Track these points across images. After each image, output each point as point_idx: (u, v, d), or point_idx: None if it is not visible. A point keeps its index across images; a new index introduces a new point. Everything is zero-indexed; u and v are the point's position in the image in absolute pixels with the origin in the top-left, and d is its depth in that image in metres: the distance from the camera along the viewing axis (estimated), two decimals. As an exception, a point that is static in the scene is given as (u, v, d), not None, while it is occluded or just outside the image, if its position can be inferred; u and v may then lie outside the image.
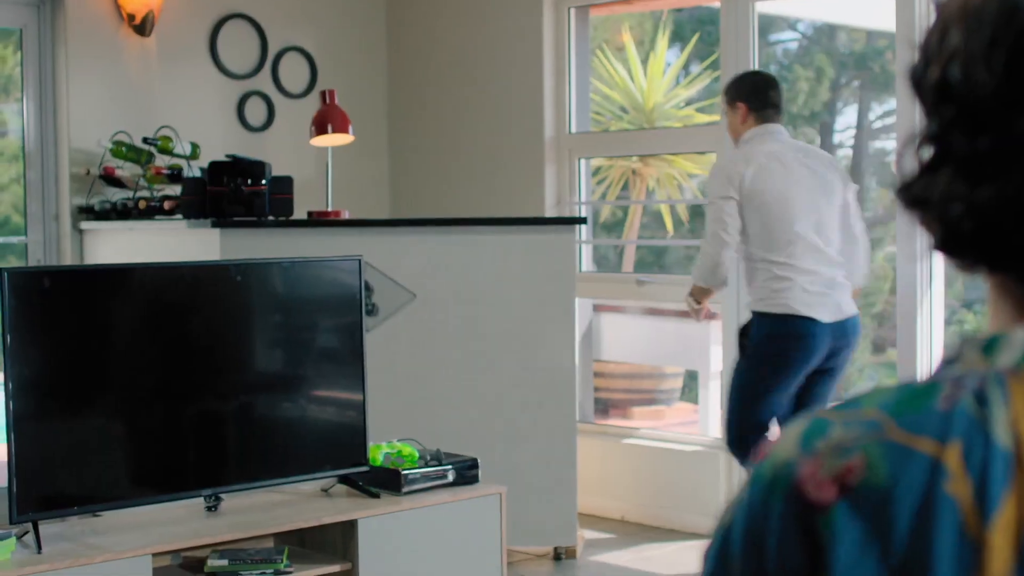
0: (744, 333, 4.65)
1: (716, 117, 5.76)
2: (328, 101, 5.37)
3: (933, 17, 0.84)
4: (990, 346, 0.80)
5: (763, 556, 0.78)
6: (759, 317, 4.56)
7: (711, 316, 5.10)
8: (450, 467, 4.07)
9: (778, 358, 4.52)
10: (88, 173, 5.58)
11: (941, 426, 0.76)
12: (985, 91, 0.78)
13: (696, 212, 9.14)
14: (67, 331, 3.54)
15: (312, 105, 5.95)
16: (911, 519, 0.75)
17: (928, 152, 0.82)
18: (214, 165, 4.78)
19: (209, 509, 3.79)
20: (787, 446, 0.80)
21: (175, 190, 5.38)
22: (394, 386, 4.79)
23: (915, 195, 0.82)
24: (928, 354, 4.90)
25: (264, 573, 3.67)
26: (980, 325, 9.12)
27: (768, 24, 9.72)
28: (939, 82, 0.80)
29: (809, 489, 0.77)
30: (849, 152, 10.48)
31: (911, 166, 0.83)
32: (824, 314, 4.49)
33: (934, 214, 0.81)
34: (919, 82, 0.83)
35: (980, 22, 0.79)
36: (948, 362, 0.82)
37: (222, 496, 3.82)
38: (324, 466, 3.99)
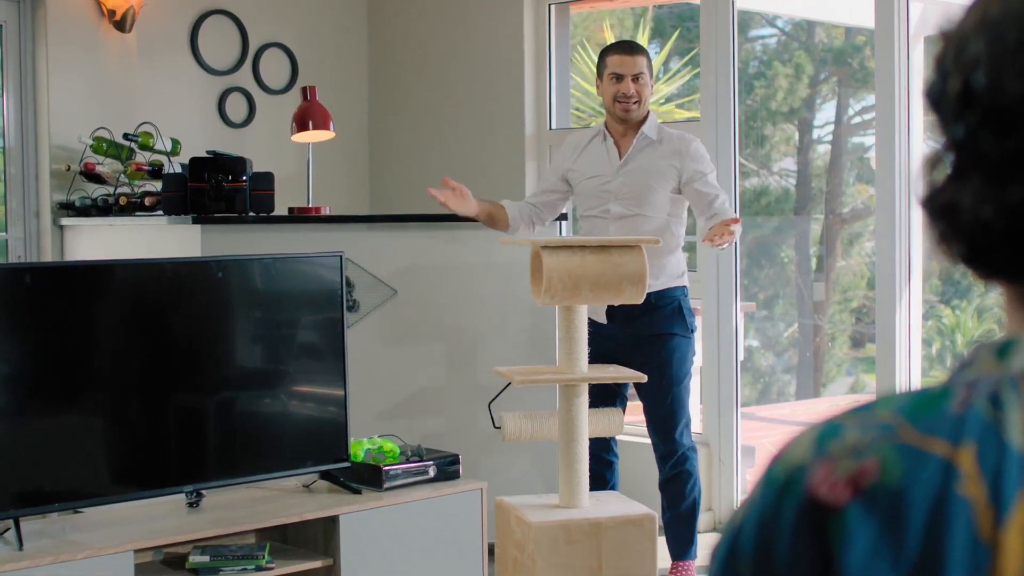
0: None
1: (696, 113, 5.78)
2: (309, 97, 5.37)
3: (941, 40, 0.85)
4: (1004, 350, 0.80)
5: (773, 557, 0.79)
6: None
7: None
8: (431, 463, 4.08)
9: None
10: (68, 169, 5.57)
11: (954, 428, 0.77)
12: (1013, 93, 0.79)
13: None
14: (48, 327, 3.53)
15: (293, 101, 5.95)
16: (924, 521, 0.75)
17: (952, 161, 0.83)
18: (195, 161, 4.77)
19: (191, 505, 3.79)
20: (801, 448, 0.80)
21: (156, 186, 5.37)
22: (375, 382, 4.80)
23: (944, 202, 0.83)
24: (907, 349, 4.93)
25: (246, 569, 3.67)
26: (957, 320, 9.17)
27: (748, 20, 9.75)
28: (962, 90, 0.81)
29: (822, 491, 0.77)
30: (828, 148, 10.52)
31: (935, 178, 0.84)
32: None
33: (964, 219, 0.81)
34: (938, 97, 0.84)
35: (1003, 30, 0.80)
36: (963, 366, 0.82)
37: (204, 492, 3.83)
38: (306, 462, 4.00)
